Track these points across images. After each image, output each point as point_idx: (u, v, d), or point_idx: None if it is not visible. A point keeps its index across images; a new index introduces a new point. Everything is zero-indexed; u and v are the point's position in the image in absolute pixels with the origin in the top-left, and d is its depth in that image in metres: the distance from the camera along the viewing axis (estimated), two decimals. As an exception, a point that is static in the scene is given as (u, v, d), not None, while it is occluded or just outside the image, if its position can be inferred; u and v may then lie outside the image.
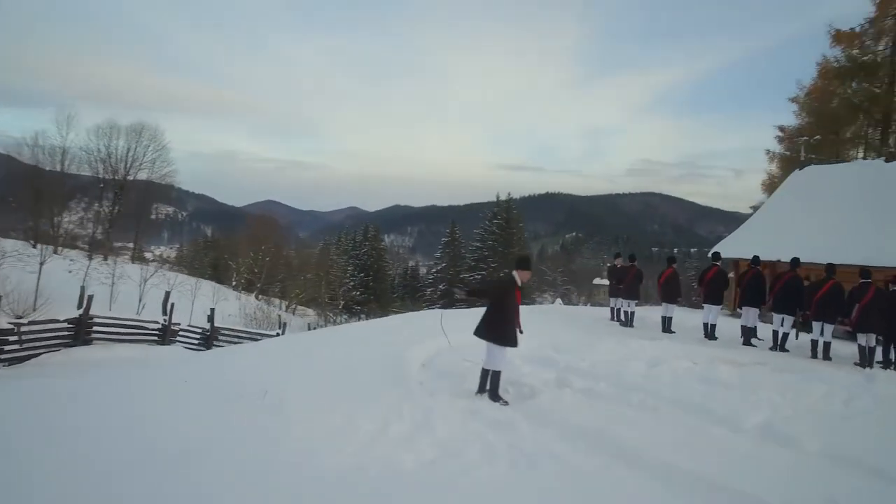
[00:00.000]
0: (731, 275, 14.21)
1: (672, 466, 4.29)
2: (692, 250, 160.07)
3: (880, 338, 8.65)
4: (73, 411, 5.72)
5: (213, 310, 17.98)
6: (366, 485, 3.98)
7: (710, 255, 10.72)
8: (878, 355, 8.76)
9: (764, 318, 10.57)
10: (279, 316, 29.03)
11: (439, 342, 9.15)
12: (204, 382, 6.58)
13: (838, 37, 23.25)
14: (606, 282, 16.51)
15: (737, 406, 5.73)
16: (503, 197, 57.54)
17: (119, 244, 42.58)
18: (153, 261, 44.19)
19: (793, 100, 25.65)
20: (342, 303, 48.87)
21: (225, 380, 6.66)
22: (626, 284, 11.47)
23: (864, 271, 8.62)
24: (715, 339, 10.00)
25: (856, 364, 8.48)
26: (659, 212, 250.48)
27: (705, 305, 10.32)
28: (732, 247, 16.23)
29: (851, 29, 23.05)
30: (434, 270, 62.59)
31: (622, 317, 11.76)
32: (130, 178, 40.69)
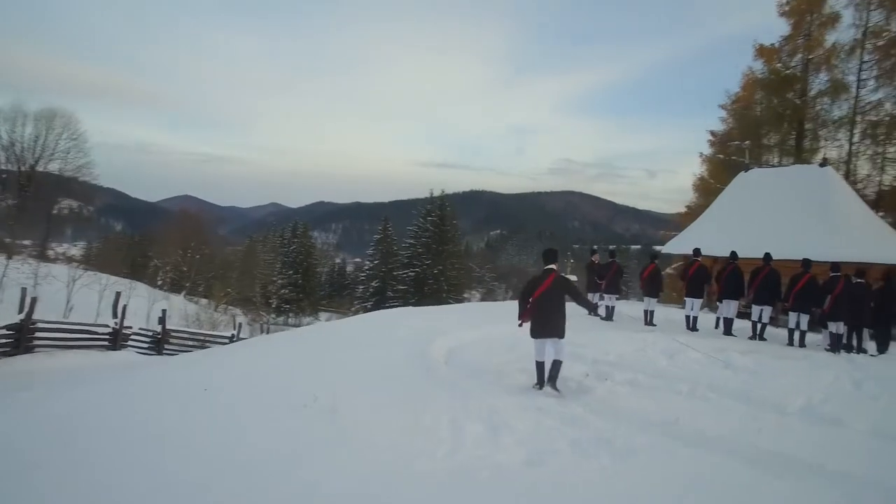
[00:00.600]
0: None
1: (758, 449, 4.53)
2: (611, 247, 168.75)
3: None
4: (118, 425, 5.18)
5: (164, 311, 16.78)
6: (491, 487, 3.91)
7: (692, 251, 11.35)
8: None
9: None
10: (234, 317, 27.54)
11: (447, 338, 9.14)
12: (238, 390, 6.15)
13: (761, 51, 25.35)
14: (573, 277, 17.04)
15: (772, 391, 6.14)
16: (436, 193, 57.56)
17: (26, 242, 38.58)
18: (57, 259, 40.42)
19: (722, 107, 27.72)
20: (275, 302, 47.17)
21: (260, 386, 6.26)
22: (608, 280, 11.94)
23: (835, 266, 9.52)
24: (696, 330, 10.65)
25: (826, 349, 9.33)
26: (579, 210, 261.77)
27: (687, 299, 10.98)
28: (685, 244, 17.29)
29: (772, 45, 25.20)
30: (366, 268, 61.80)
31: (602, 311, 12.23)
32: (40, 169, 36.92)
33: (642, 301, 12.23)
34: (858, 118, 23.34)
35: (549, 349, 6.16)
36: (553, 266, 6.41)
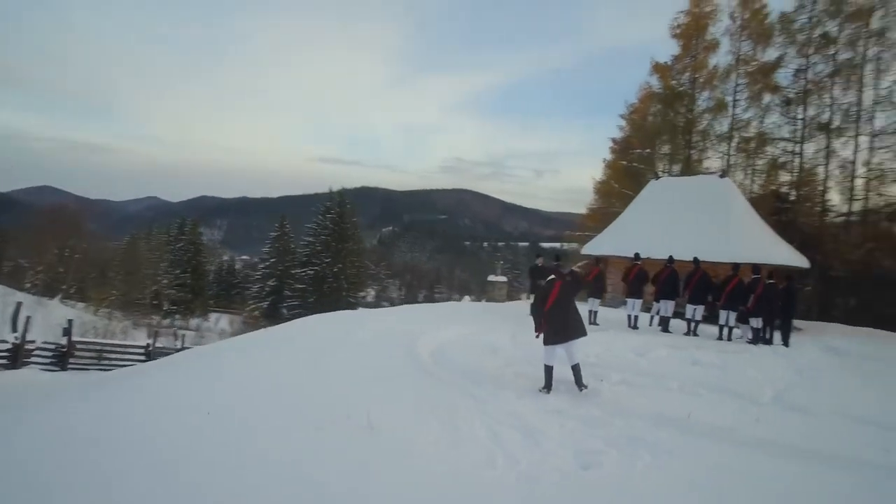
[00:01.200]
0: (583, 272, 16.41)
1: (763, 439, 5.15)
2: (500, 244, 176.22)
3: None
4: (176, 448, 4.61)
5: (71, 321, 14.85)
6: (569, 492, 4.08)
7: (633, 255, 12.30)
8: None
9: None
10: (150, 326, 24.87)
11: (426, 342, 9.14)
12: (253, 409, 5.72)
13: (656, 67, 27.89)
14: (502, 278, 17.68)
15: (742, 384, 6.94)
16: (329, 190, 56.33)
17: None
18: None
19: (622, 116, 30.12)
20: (165, 304, 43.47)
21: (274, 403, 5.88)
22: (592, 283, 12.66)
23: (756, 268, 10.86)
24: (636, 328, 11.59)
25: (748, 342, 10.64)
26: (470, 207, 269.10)
27: (628, 299, 11.91)
28: (602, 246, 18.64)
29: (665, 62, 27.81)
30: (261, 266, 59.01)
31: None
32: None
33: (586, 302, 12.99)
34: (735, 133, 26.49)
35: (562, 353, 6.46)
36: (554, 275, 6.72)
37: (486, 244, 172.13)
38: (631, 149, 28.39)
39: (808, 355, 9.30)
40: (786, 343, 10.97)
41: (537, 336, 6.71)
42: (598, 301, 12.24)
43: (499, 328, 10.78)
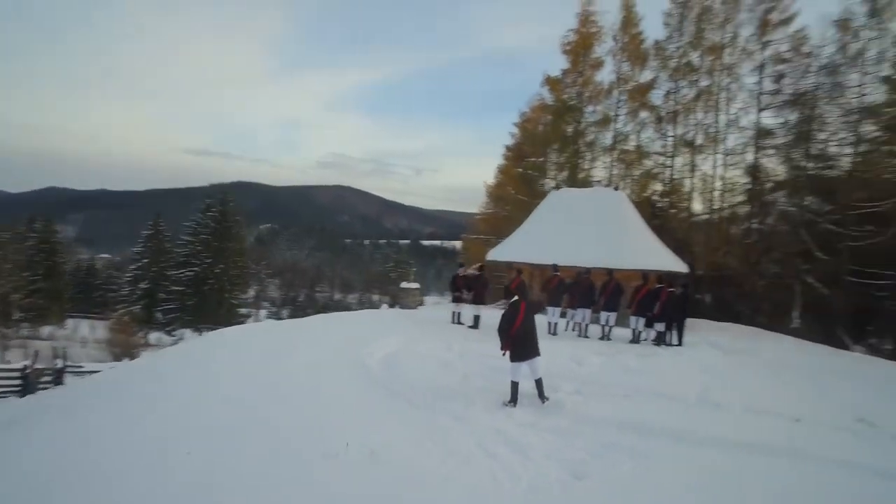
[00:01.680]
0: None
1: (714, 437, 5.93)
2: (381, 241, 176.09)
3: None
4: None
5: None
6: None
7: (551, 266, 13.08)
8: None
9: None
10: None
11: (374, 354, 9.06)
12: (240, 441, 5.35)
13: (548, 81, 29.66)
14: (415, 285, 17.87)
15: (671, 387, 7.81)
16: (202, 184, 54.02)
17: None
18: None
19: (515, 124, 31.74)
20: (15, 313, 37.83)
21: (265, 434, 5.56)
22: (478, 292, 13.06)
23: (660, 277, 12.12)
24: (556, 335, 12.41)
25: (654, 343, 11.88)
26: (350, 204, 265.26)
27: (549, 308, 12.69)
28: (506, 252, 19.57)
29: (556, 76, 29.70)
30: (132, 267, 53.74)
31: (459, 319, 13.42)
32: None
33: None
34: (617, 146, 29.07)
35: (526, 370, 6.84)
36: (517, 296, 7.07)
37: (367, 242, 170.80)
38: (524, 156, 29.97)
39: (704, 355, 10.68)
40: (680, 342, 12.39)
41: (504, 354, 7.01)
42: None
43: (431, 338, 11.00)
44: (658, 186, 28.60)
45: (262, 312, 70.72)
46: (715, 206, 27.58)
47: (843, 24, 23.60)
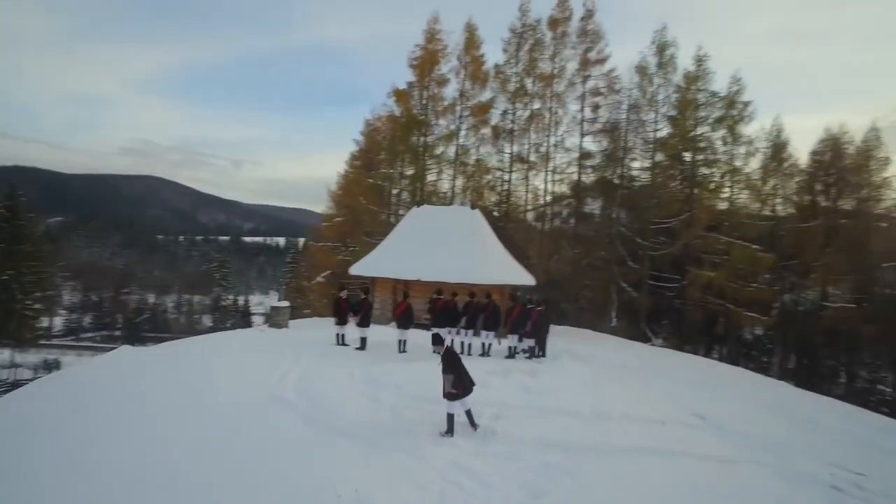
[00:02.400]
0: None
1: (622, 447, 7.22)
2: (198, 238, 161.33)
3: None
4: None
5: None
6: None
7: (436, 290, 13.80)
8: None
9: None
10: None
11: (282, 386, 8.88)
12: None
13: (396, 94, 30.44)
14: (285, 303, 17.29)
15: (566, 402, 9.05)
16: None
17: None
18: None
19: (362, 133, 31.95)
20: None
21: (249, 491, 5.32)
22: (363, 314, 13.31)
23: (530, 300, 13.61)
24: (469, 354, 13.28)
25: (526, 357, 13.35)
26: (161, 196, 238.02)
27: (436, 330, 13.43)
28: (370, 268, 19.93)
29: (403, 89, 30.60)
30: None
31: (344, 341, 13.59)
32: None
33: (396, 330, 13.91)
34: (460, 159, 31.00)
35: (457, 406, 7.46)
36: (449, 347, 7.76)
37: (181, 238, 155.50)
38: (373, 165, 30.49)
39: (573, 368, 12.35)
40: (544, 353, 14.03)
41: (456, 394, 7.47)
42: (407, 332, 13.38)
43: (328, 364, 11.15)
44: (495, 198, 31.22)
45: (57, 321, 60.77)
46: (545, 219, 31.04)
47: (641, 70, 28.43)
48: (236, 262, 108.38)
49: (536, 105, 30.46)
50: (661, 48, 27.93)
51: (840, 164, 28.75)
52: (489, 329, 13.51)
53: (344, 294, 14.14)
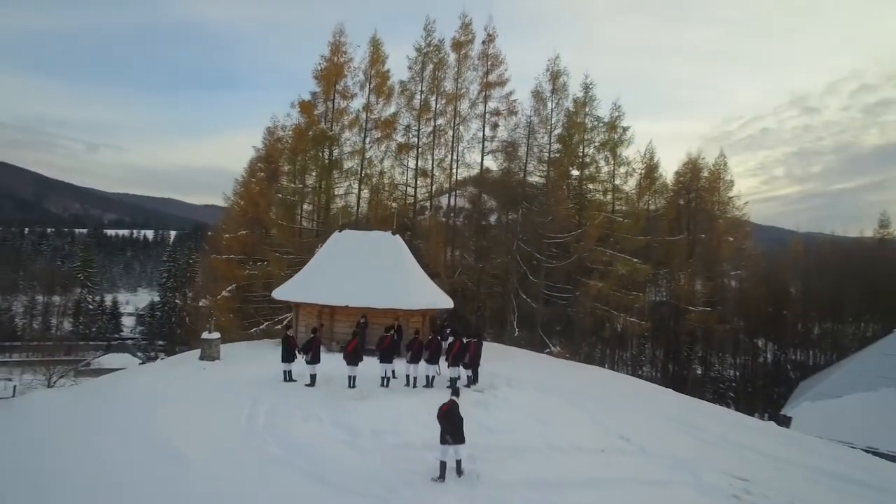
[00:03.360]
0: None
1: (583, 481, 8.67)
2: (49, 230, 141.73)
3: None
4: None
5: None
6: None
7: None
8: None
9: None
10: None
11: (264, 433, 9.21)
12: None
13: (301, 105, 29.98)
14: (216, 335, 16.86)
15: (521, 439, 10.36)
16: None
17: None
18: None
19: (264, 141, 31.23)
20: None
21: None
22: (306, 348, 13.78)
23: (469, 334, 14.85)
24: (387, 387, 14.04)
25: (465, 386, 14.57)
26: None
27: (381, 364, 14.13)
28: (294, 292, 19.93)
29: (309, 100, 30.26)
30: None
31: (292, 377, 13.95)
32: None
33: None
34: (366, 172, 31.39)
35: (451, 452, 8.39)
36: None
37: (26, 230, 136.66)
38: (276, 177, 29.98)
39: (512, 396, 13.70)
40: (476, 380, 15.31)
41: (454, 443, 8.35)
42: (355, 367, 13.92)
43: (287, 404, 11.58)
44: (402, 213, 32.06)
45: None
46: (449, 234, 32.43)
47: (536, 94, 30.90)
48: (98, 258, 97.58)
49: (440, 121, 31.71)
50: (555, 76, 30.54)
51: (697, 184, 33.65)
52: (432, 362, 14.56)
53: (291, 332, 14.37)
